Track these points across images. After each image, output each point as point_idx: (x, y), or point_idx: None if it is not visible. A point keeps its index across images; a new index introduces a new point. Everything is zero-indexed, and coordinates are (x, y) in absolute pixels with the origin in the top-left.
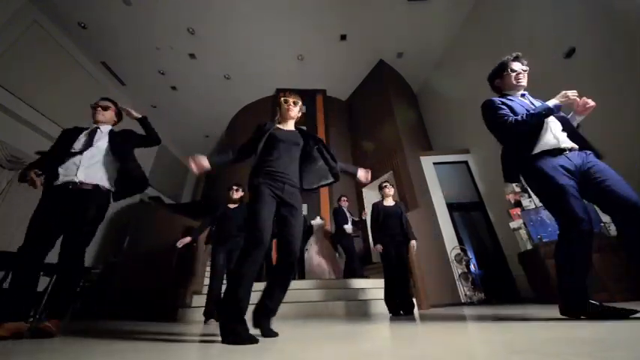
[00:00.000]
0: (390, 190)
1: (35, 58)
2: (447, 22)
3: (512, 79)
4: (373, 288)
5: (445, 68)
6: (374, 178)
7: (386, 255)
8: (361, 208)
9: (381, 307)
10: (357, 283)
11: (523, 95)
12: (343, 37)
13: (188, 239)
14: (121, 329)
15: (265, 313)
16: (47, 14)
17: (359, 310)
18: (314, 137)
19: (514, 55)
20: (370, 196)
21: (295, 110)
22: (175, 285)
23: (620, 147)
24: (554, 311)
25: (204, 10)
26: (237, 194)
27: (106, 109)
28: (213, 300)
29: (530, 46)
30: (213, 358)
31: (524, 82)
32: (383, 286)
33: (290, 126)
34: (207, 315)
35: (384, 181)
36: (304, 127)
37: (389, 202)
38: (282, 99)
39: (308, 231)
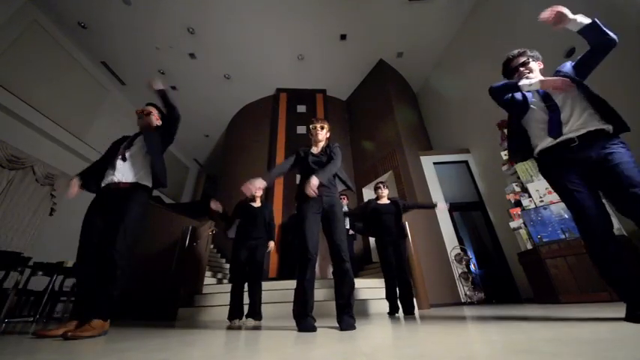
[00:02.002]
0: (384, 192)
1: (35, 58)
2: (447, 22)
3: (517, 78)
4: (372, 288)
5: (445, 68)
6: (374, 177)
7: (384, 252)
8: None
9: (380, 307)
10: (356, 282)
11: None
12: (343, 37)
13: (220, 209)
14: (120, 329)
15: (342, 308)
16: (47, 14)
17: (358, 310)
18: (332, 150)
19: (505, 58)
20: (370, 196)
21: (322, 134)
22: (175, 285)
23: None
24: (554, 311)
25: (204, 10)
26: (259, 192)
27: (148, 114)
28: (234, 300)
29: (530, 46)
30: (214, 357)
31: (531, 74)
32: (382, 285)
33: (320, 148)
34: (231, 315)
35: (379, 182)
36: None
37: (384, 201)
38: (310, 125)
39: None
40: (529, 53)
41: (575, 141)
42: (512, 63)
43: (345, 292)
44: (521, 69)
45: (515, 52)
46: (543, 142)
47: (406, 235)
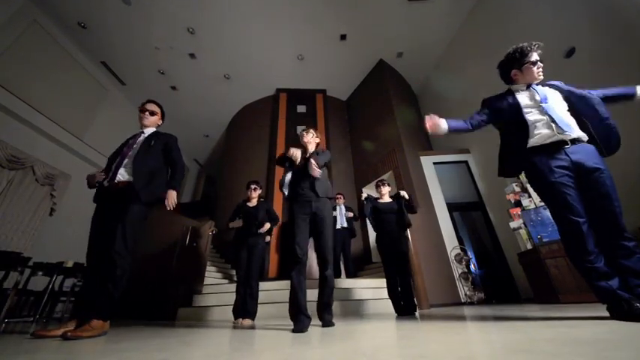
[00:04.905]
0: (383, 190)
1: (35, 58)
2: (447, 22)
3: (534, 73)
4: (373, 288)
5: (445, 68)
6: (374, 177)
7: (384, 251)
8: (361, 207)
9: (379, 307)
10: (356, 282)
11: (529, 86)
12: (343, 37)
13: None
14: (120, 329)
15: (321, 307)
16: (47, 14)
17: (358, 310)
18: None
19: (535, 44)
20: None
21: (308, 137)
22: (175, 285)
23: (620, 147)
24: (554, 311)
25: (204, 10)
26: (255, 193)
27: (153, 114)
28: (240, 299)
29: None
30: (213, 357)
31: (542, 75)
32: (382, 285)
33: (309, 151)
34: (236, 314)
35: (379, 180)
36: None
37: (385, 199)
38: (298, 132)
39: None
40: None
41: (569, 143)
42: (536, 54)
43: (326, 293)
44: (538, 68)
45: (535, 44)
46: (538, 139)
47: (407, 238)
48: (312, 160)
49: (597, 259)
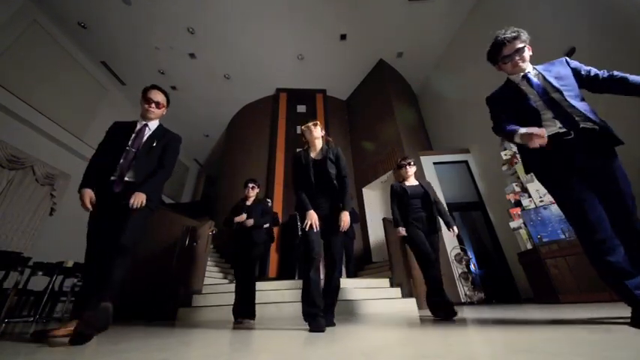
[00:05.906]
0: (409, 170)
1: (35, 58)
2: (447, 22)
3: (509, 68)
4: (372, 288)
5: (445, 68)
6: (374, 177)
7: (413, 240)
8: (361, 207)
9: (380, 307)
10: (356, 282)
11: (525, 76)
12: (343, 37)
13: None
14: (120, 329)
15: (325, 307)
16: (47, 14)
17: (358, 310)
18: (335, 156)
19: (498, 41)
20: (370, 196)
21: (317, 131)
22: (175, 285)
23: (619, 146)
24: (554, 311)
25: (205, 10)
26: (252, 192)
27: (159, 106)
28: (239, 299)
29: (529, 45)
30: (213, 357)
31: (523, 64)
32: (382, 285)
33: (318, 148)
34: (235, 314)
35: (404, 158)
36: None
37: (411, 182)
38: (303, 127)
39: None
40: (523, 37)
41: (571, 134)
42: (505, 49)
43: (330, 293)
44: (517, 58)
45: (509, 34)
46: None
47: (439, 228)
48: (345, 220)
49: (610, 245)
